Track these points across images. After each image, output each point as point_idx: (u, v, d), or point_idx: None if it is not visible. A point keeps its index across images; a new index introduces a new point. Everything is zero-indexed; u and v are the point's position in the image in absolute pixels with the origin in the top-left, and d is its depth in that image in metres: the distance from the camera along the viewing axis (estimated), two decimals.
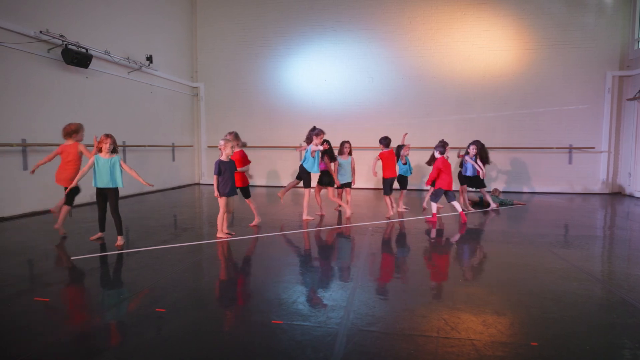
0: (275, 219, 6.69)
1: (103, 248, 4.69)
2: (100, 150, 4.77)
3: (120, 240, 4.78)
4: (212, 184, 5.40)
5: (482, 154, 7.53)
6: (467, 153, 7.54)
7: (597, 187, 10.45)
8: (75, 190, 5.29)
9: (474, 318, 2.81)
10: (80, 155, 5.36)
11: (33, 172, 5.35)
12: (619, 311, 2.96)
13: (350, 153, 6.96)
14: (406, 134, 7.66)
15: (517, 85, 10.53)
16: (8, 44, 6.28)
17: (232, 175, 5.20)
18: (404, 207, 7.55)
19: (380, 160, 6.88)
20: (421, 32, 10.86)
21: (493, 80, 10.64)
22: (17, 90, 6.53)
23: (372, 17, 11.05)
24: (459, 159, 7.94)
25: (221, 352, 2.39)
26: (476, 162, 7.39)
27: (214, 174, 5.12)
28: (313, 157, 6.28)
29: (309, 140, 6.39)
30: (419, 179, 11.01)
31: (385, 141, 6.94)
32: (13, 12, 6.41)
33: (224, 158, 5.15)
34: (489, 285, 3.55)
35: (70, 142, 5.32)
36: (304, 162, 6.39)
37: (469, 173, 7.52)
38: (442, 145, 6.70)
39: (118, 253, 4.51)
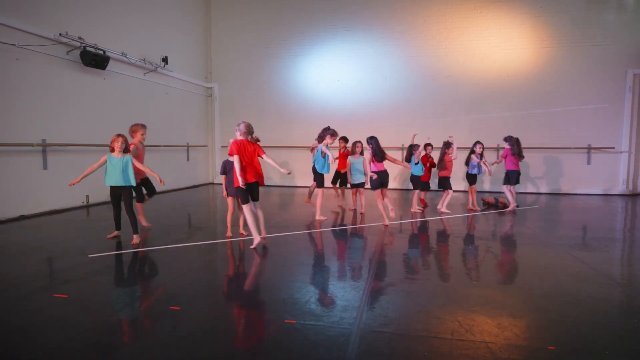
0: (288, 218, 6.71)
1: (119, 246, 4.78)
2: (112, 149, 4.85)
3: (136, 239, 4.86)
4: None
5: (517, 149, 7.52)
6: (472, 152, 7.50)
7: (617, 188, 10.18)
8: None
9: (489, 320, 2.77)
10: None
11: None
12: None
13: (362, 153, 6.96)
14: (415, 134, 7.63)
15: (534, 84, 10.34)
16: (29, 46, 6.44)
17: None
18: (418, 207, 7.48)
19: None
20: (435, 31, 10.75)
21: (509, 79, 10.46)
22: (37, 91, 6.69)
23: (386, 16, 10.99)
24: (467, 159, 7.88)
25: (235, 351, 2.41)
26: (481, 161, 7.45)
27: (220, 173, 5.27)
28: (323, 157, 6.30)
29: (320, 139, 6.39)
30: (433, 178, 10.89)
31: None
32: (33, 15, 6.57)
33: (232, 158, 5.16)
34: (505, 287, 3.49)
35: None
36: (315, 162, 6.43)
37: (476, 171, 7.49)
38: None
39: (134, 251, 4.59)
